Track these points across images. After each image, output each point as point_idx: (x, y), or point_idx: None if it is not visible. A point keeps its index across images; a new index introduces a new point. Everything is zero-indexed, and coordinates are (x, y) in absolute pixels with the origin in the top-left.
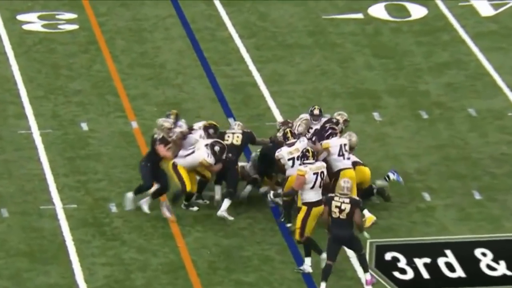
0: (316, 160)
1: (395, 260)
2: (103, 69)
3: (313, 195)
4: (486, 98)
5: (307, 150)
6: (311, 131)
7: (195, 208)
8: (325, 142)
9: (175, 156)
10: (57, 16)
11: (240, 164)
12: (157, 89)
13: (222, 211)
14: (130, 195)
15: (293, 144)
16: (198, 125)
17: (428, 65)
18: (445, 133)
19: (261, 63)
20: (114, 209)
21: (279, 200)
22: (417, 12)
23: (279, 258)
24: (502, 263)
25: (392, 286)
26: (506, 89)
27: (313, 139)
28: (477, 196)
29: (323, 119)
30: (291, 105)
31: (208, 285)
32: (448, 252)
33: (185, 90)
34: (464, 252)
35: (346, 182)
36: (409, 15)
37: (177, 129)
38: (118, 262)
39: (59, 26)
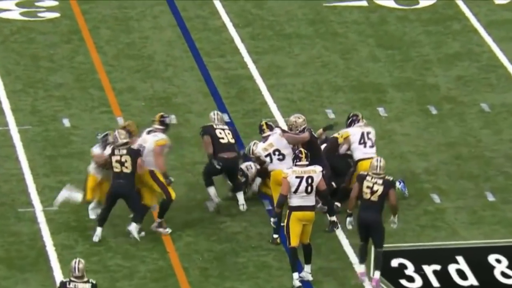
0: (333, 152)
1: (402, 267)
2: (86, 61)
3: (296, 200)
4: (500, 92)
5: (300, 151)
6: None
7: (168, 230)
8: (344, 131)
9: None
10: (36, 3)
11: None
12: (145, 82)
13: (241, 204)
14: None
15: (267, 138)
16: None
17: (437, 56)
18: (456, 130)
19: (257, 54)
20: (98, 211)
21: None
22: None
23: (276, 264)
24: None
25: None
26: None
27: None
28: (491, 198)
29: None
30: (289, 99)
31: None
32: (459, 258)
33: (175, 84)
34: (477, 259)
35: (379, 160)
36: (417, 3)
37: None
38: (103, 269)
39: (39, 14)
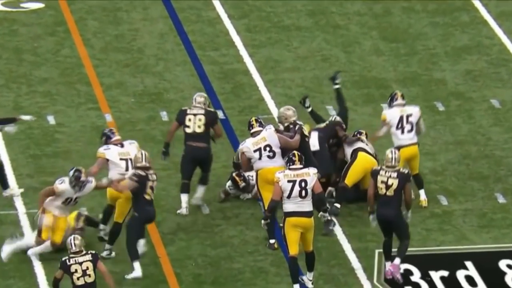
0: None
1: (408, 273)
2: (72, 54)
3: (290, 205)
4: (511, 87)
5: (294, 154)
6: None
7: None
8: (383, 113)
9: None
10: None
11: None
12: (135, 77)
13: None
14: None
15: (258, 133)
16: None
17: (444, 49)
18: (464, 127)
19: (253, 48)
20: (85, 214)
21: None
22: None
23: (274, 270)
24: None
25: None
26: None
27: (296, 128)
28: (501, 200)
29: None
30: (287, 95)
31: None
32: (468, 264)
33: (167, 79)
34: (487, 264)
35: (393, 152)
36: None
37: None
38: None
39: (22, 5)
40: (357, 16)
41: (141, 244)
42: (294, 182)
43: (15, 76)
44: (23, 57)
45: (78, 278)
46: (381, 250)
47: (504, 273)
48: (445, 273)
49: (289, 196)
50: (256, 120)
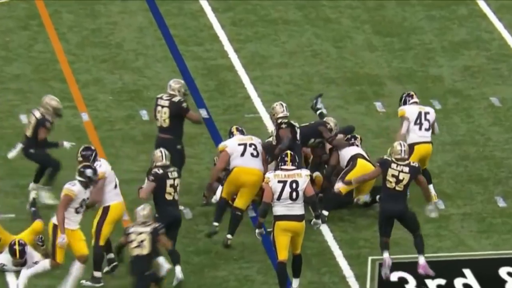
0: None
1: (403, 281)
2: (46, 50)
3: (280, 208)
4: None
5: (286, 154)
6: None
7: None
8: (400, 109)
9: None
10: None
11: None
12: (113, 73)
13: None
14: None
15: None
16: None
17: (441, 44)
18: (463, 127)
19: (239, 43)
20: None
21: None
22: None
23: (260, 278)
24: None
25: None
26: None
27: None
28: (501, 204)
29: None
30: (275, 93)
31: None
32: (466, 271)
33: (147, 75)
34: (486, 272)
35: (402, 144)
36: None
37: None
38: None
39: None
40: (349, 9)
41: (177, 271)
42: (284, 182)
43: None
44: None
45: (133, 248)
46: (375, 257)
47: (504, 281)
48: (442, 281)
49: (279, 198)
50: (237, 129)
